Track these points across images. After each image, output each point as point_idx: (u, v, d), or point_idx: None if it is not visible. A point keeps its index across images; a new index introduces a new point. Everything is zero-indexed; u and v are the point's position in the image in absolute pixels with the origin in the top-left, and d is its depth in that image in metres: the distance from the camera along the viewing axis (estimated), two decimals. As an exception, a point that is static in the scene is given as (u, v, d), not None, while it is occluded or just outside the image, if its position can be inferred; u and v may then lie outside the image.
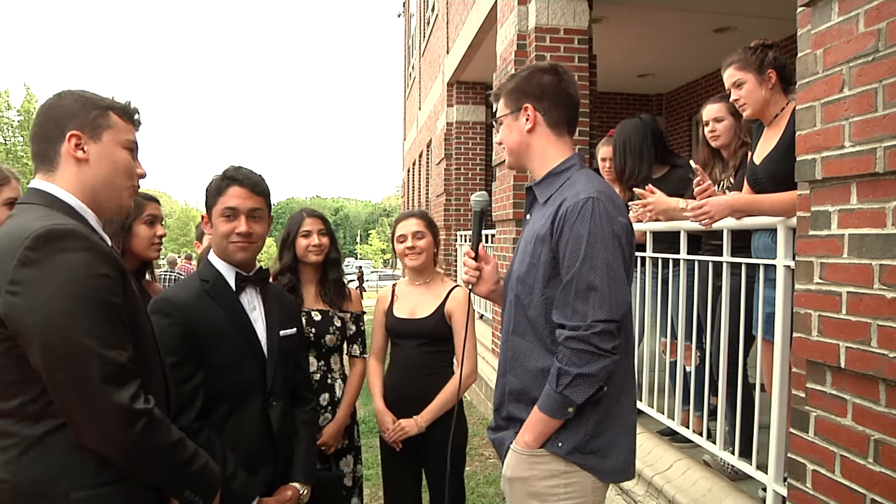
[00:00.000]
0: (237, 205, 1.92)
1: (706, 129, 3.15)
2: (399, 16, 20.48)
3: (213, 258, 1.97)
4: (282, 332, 1.99)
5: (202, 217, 1.99)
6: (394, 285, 2.83)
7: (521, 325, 1.74)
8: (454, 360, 2.70)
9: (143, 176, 1.53)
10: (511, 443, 1.72)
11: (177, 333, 1.80)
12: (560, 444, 1.65)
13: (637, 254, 3.53)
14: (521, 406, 1.73)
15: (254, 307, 1.97)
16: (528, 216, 1.86)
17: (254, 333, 1.92)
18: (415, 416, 2.57)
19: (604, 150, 4.11)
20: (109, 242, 1.47)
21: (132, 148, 1.51)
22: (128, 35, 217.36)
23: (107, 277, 1.30)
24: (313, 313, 2.67)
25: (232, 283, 1.94)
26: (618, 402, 1.69)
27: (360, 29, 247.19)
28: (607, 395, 1.65)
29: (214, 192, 1.95)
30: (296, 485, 1.98)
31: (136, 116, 1.54)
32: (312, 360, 2.63)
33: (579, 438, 1.65)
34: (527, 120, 1.76)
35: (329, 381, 2.67)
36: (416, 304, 2.69)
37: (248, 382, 1.89)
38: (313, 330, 2.64)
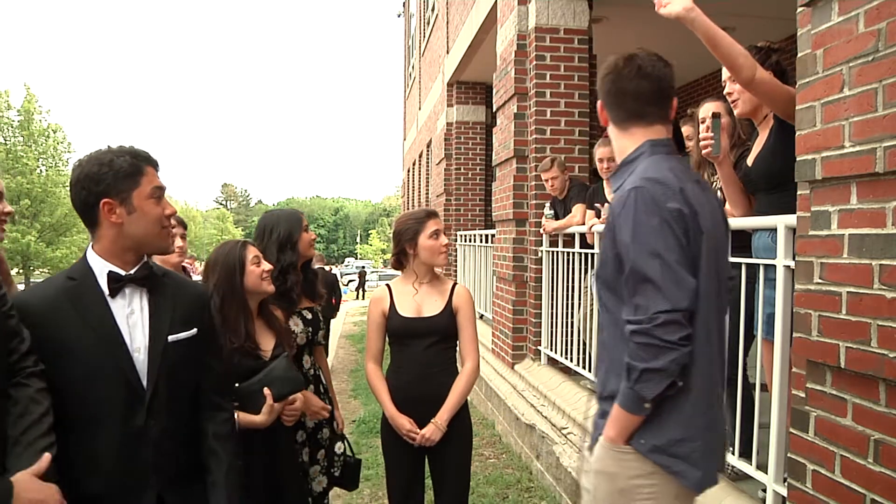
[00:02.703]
0: (162, 185, 1.70)
1: (702, 127, 3.14)
2: (399, 16, 20.47)
3: (89, 253, 1.69)
4: (172, 337, 1.69)
5: (103, 204, 1.63)
6: (388, 286, 2.78)
7: (603, 319, 1.75)
8: (458, 357, 2.71)
9: None
10: (601, 434, 1.69)
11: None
12: (642, 442, 1.61)
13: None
14: (608, 401, 1.71)
15: (132, 311, 1.67)
16: None
17: (120, 345, 1.63)
18: (434, 420, 2.57)
19: (602, 151, 4.13)
20: None
21: None
22: (128, 35, 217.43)
23: None
24: (305, 312, 2.72)
25: (104, 284, 1.65)
26: (708, 406, 1.62)
27: (360, 29, 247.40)
28: (695, 395, 1.59)
29: (129, 174, 1.64)
30: None
31: None
32: (306, 357, 2.72)
33: (660, 439, 1.60)
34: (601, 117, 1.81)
35: (315, 372, 2.78)
36: (420, 302, 2.67)
37: (106, 404, 1.60)
38: (310, 329, 2.70)
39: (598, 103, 1.81)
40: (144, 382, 1.64)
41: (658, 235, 1.54)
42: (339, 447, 2.80)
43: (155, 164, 1.72)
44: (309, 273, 2.80)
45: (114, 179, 1.63)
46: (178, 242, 2.77)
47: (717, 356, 1.66)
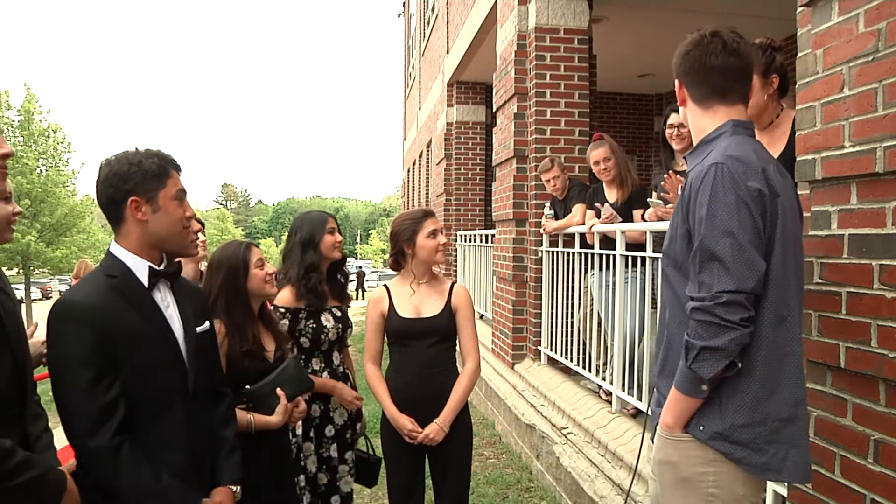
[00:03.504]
0: (184, 188, 1.79)
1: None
2: (399, 16, 20.47)
3: (117, 250, 1.73)
4: (198, 329, 1.85)
5: (131, 202, 1.70)
6: (386, 286, 2.78)
7: (666, 298, 1.73)
8: (457, 357, 2.71)
9: (6, 156, 1.37)
10: (658, 423, 1.68)
11: (89, 341, 1.59)
12: (701, 428, 1.60)
13: (637, 254, 3.56)
14: (665, 383, 1.70)
15: (167, 304, 1.78)
16: None
17: (171, 333, 1.75)
18: (436, 421, 2.57)
19: (595, 153, 4.13)
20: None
21: None
22: (128, 35, 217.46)
23: None
24: (334, 310, 2.79)
25: (144, 278, 1.73)
26: (774, 391, 1.58)
27: (360, 29, 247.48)
28: (756, 381, 1.56)
29: (156, 174, 1.72)
30: (228, 487, 1.86)
31: None
32: (336, 354, 2.80)
33: (721, 425, 1.58)
34: (679, 97, 1.76)
35: (343, 370, 2.84)
36: (419, 303, 2.66)
37: (169, 388, 1.72)
38: (340, 326, 2.77)
39: (676, 82, 1.77)
40: (187, 367, 1.78)
41: (734, 214, 1.52)
42: (360, 442, 2.89)
43: (178, 168, 1.80)
44: (338, 275, 2.86)
45: (142, 179, 1.71)
46: (201, 237, 2.83)
47: (790, 346, 1.60)
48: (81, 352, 1.59)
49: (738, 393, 1.57)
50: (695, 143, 1.75)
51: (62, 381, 1.60)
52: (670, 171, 3.06)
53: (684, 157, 1.81)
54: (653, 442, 1.75)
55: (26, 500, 1.35)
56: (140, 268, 1.73)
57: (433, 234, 2.64)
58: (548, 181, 4.70)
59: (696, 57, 1.69)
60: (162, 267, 1.78)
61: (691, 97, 1.74)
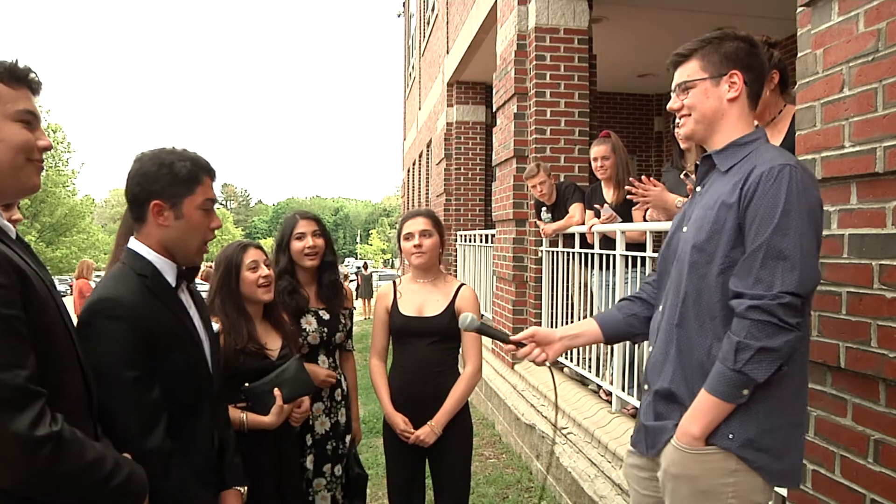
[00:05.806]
0: (215, 197, 1.74)
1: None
2: (399, 16, 20.46)
3: (142, 249, 1.66)
4: (214, 328, 1.85)
5: (153, 205, 1.63)
6: (394, 283, 2.79)
7: (690, 299, 1.63)
8: (459, 359, 2.71)
9: (46, 148, 1.32)
10: (671, 436, 1.61)
11: (133, 340, 1.53)
12: (731, 437, 1.52)
13: (637, 254, 3.56)
14: (683, 391, 1.62)
15: (190, 305, 1.74)
16: (699, 188, 1.74)
17: (197, 334, 1.72)
18: (430, 423, 2.55)
19: (596, 150, 4.13)
20: (13, 232, 1.34)
21: (27, 119, 1.29)
22: (128, 35, 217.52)
23: None
24: (321, 312, 2.69)
25: (171, 278, 1.68)
26: (796, 395, 1.57)
27: (360, 29, 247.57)
28: (786, 385, 1.53)
29: (186, 180, 1.64)
30: (236, 489, 1.84)
31: (29, 77, 1.31)
32: (323, 357, 2.68)
33: (752, 431, 1.52)
34: (730, 87, 1.65)
35: (338, 376, 2.73)
36: (423, 301, 2.66)
37: (198, 389, 1.70)
38: (325, 329, 2.67)
39: (703, 66, 1.69)
40: (212, 369, 1.76)
41: (807, 219, 1.50)
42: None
43: (213, 176, 1.72)
44: (324, 279, 2.74)
45: (169, 182, 1.63)
46: None
47: (806, 342, 1.60)
48: (125, 351, 1.52)
49: (769, 397, 1.52)
50: (720, 146, 1.69)
51: (107, 383, 1.49)
52: (643, 177, 3.03)
53: (700, 159, 1.77)
54: (648, 453, 1.69)
55: (118, 501, 1.33)
56: (167, 268, 1.67)
57: (408, 236, 2.65)
58: (534, 187, 4.58)
59: (760, 55, 1.68)
60: (185, 268, 1.73)
61: (750, 94, 1.68)
